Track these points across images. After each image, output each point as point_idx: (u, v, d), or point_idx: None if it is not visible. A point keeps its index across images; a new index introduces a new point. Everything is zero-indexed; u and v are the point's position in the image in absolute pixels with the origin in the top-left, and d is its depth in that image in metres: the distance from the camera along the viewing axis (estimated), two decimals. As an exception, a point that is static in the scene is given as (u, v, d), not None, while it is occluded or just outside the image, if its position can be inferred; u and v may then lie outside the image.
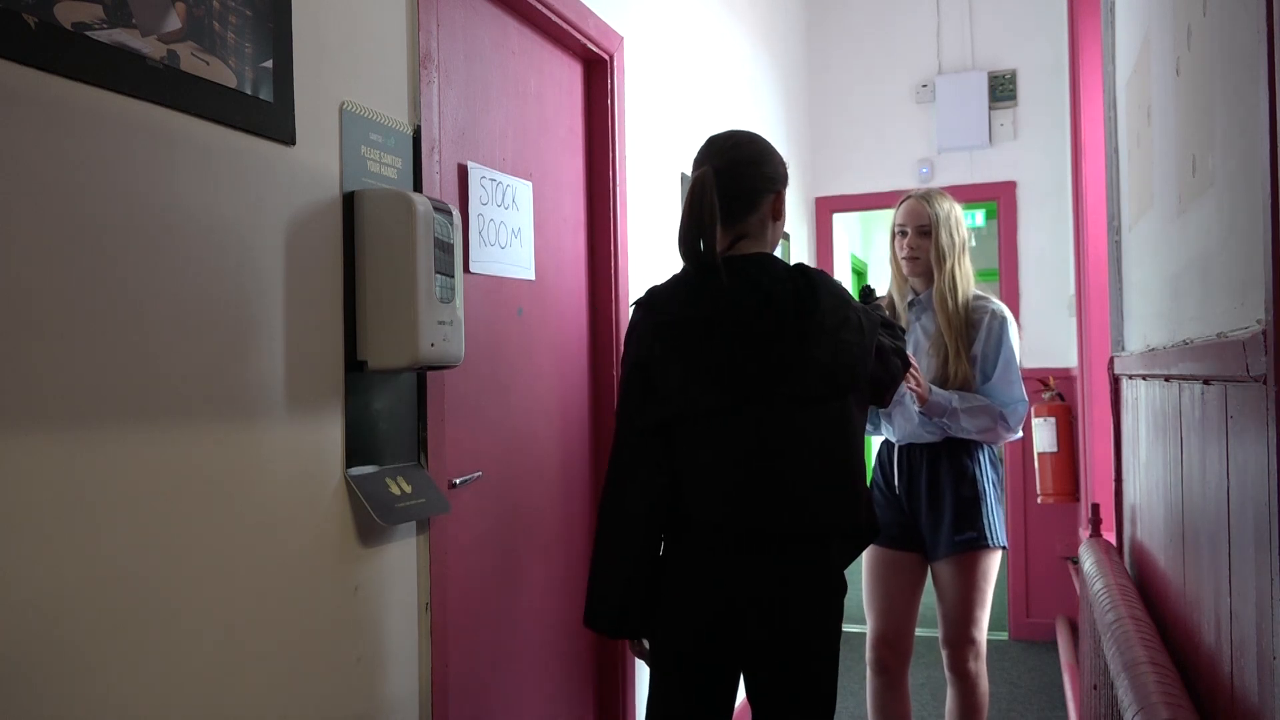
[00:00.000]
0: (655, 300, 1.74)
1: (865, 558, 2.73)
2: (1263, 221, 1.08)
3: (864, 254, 8.30)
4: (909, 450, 2.70)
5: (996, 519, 2.66)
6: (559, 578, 2.46)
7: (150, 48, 1.20)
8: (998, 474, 2.72)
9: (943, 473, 2.66)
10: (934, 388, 2.60)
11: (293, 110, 1.44)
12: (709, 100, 3.59)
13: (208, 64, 1.28)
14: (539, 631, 2.36)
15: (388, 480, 1.63)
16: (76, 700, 1.09)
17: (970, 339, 2.66)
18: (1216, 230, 1.44)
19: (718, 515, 1.69)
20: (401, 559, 1.69)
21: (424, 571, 1.75)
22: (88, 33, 1.12)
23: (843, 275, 7.14)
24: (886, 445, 2.77)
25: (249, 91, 1.35)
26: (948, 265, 2.68)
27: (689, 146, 3.33)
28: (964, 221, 2.74)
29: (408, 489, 1.66)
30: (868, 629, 2.88)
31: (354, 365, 1.56)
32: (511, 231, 2.23)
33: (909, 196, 2.77)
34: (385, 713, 1.64)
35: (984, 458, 2.70)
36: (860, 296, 2.23)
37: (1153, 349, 2.09)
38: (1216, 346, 1.33)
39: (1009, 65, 4.96)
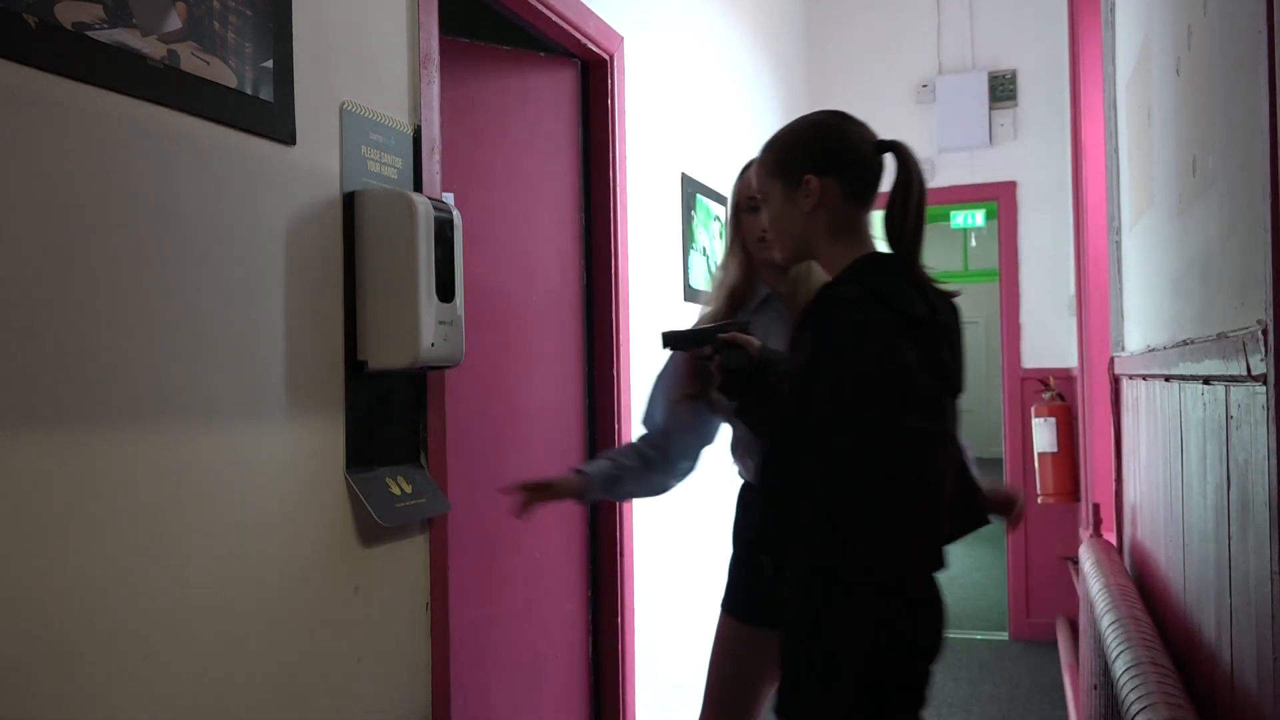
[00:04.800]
0: (889, 294, 1.40)
1: (718, 630, 2.02)
2: (1263, 221, 1.08)
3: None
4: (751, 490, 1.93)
5: None
6: (560, 577, 2.46)
7: (150, 48, 1.20)
8: None
9: None
10: None
11: (293, 110, 1.44)
12: (709, 100, 3.58)
13: (208, 64, 1.28)
14: (540, 631, 2.36)
15: (388, 480, 1.63)
16: (76, 700, 1.09)
17: None
18: (1217, 230, 1.44)
19: (947, 537, 1.45)
20: (401, 559, 1.69)
21: (424, 571, 1.75)
22: (88, 33, 1.12)
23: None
24: (746, 487, 1.98)
25: (249, 91, 1.35)
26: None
27: (689, 147, 3.32)
28: None
29: (408, 489, 1.66)
30: None
31: (354, 365, 1.56)
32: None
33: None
34: (386, 713, 1.64)
35: None
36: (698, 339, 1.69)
37: (1153, 349, 2.09)
38: (1217, 346, 1.33)
39: (1009, 65, 4.96)
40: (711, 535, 3.37)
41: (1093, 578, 2.35)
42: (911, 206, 1.46)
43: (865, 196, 1.50)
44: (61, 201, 1.09)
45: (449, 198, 1.87)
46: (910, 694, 1.43)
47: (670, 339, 1.73)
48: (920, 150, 5.39)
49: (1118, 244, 2.84)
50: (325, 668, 1.49)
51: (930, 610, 1.44)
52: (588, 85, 2.66)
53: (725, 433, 1.98)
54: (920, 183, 1.48)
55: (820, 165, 1.48)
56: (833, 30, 5.27)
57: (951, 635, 5.25)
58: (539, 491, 1.82)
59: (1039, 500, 4.60)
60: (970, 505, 1.51)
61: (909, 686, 1.42)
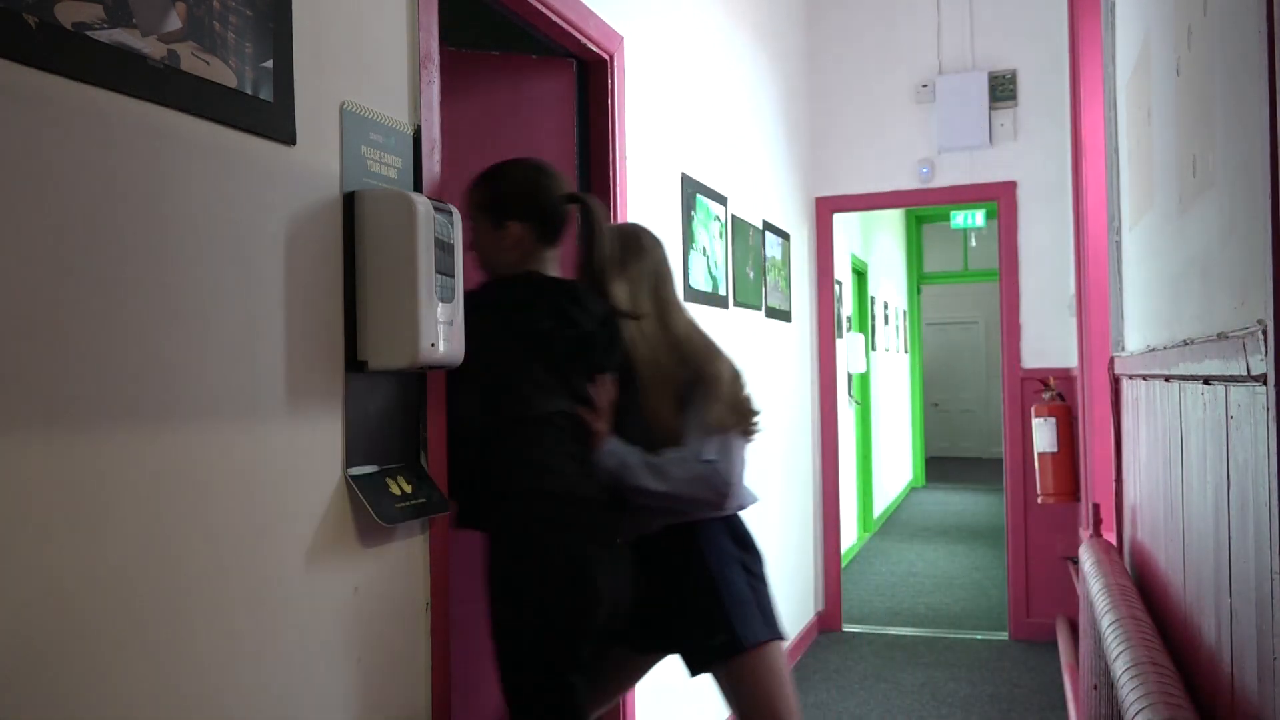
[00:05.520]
0: (495, 298, 1.86)
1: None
2: (1263, 221, 1.08)
3: (864, 254, 8.30)
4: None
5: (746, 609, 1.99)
6: (559, 578, 2.45)
7: (150, 48, 1.20)
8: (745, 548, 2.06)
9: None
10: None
11: (293, 110, 1.44)
12: (709, 100, 3.59)
13: (208, 64, 1.28)
14: (539, 631, 2.36)
15: (388, 480, 1.63)
16: (77, 699, 1.09)
17: None
18: (1217, 230, 1.44)
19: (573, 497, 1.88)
20: (401, 559, 1.69)
21: (424, 571, 1.75)
22: (88, 33, 1.12)
23: (843, 275, 7.14)
24: None
25: (249, 91, 1.35)
26: None
27: (689, 147, 3.33)
28: None
29: (408, 489, 1.66)
30: None
31: (354, 365, 1.56)
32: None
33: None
34: (386, 713, 1.64)
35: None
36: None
37: (1153, 349, 2.09)
38: (1217, 346, 1.33)
39: (1009, 65, 4.96)
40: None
41: (1093, 578, 2.35)
42: (596, 245, 1.92)
43: (553, 238, 1.90)
44: (61, 201, 1.09)
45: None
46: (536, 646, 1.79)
47: None
48: (920, 150, 5.45)
49: (1118, 244, 2.84)
50: (325, 668, 1.49)
51: (551, 566, 1.77)
52: (587, 85, 2.66)
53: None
54: (602, 228, 1.93)
55: (521, 213, 1.86)
56: (833, 30, 5.27)
57: (951, 635, 5.29)
58: None
59: (1039, 500, 4.60)
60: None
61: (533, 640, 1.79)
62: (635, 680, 2.24)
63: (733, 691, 2.02)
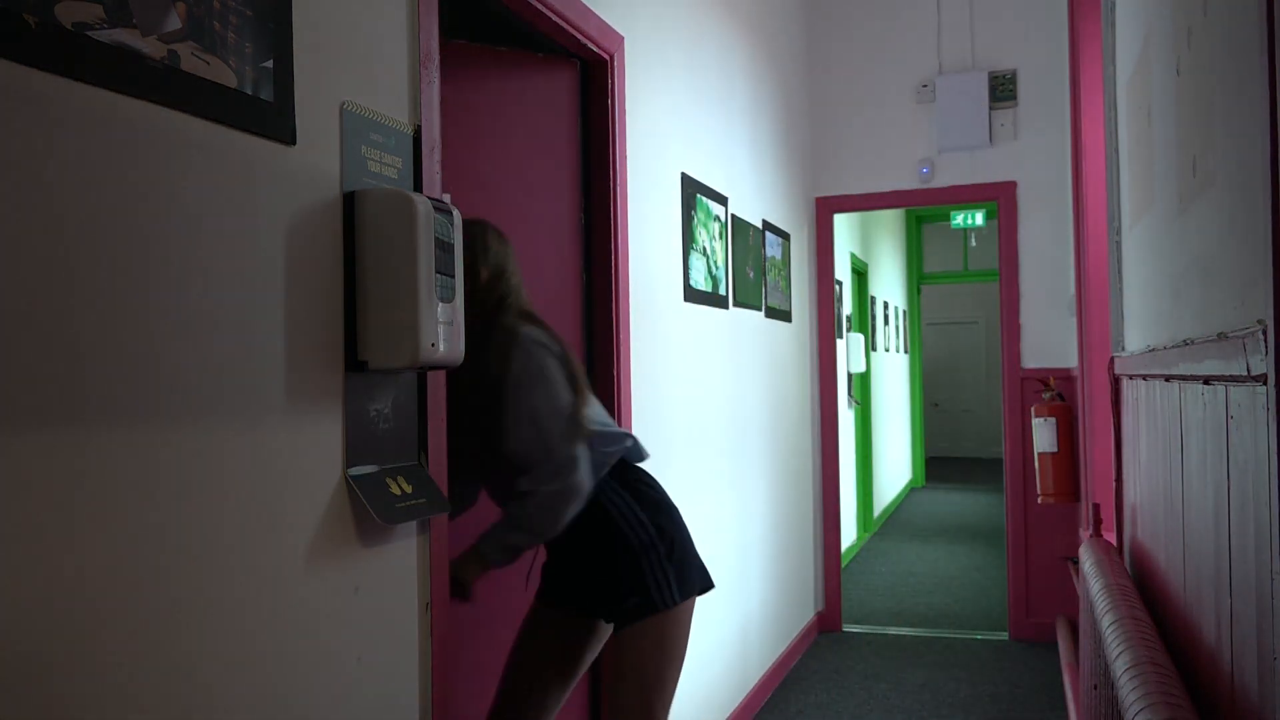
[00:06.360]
0: None
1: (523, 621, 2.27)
2: (1263, 221, 1.08)
3: (864, 254, 8.30)
4: None
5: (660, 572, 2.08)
6: (559, 578, 2.45)
7: (150, 47, 1.20)
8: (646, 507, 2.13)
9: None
10: None
11: (293, 110, 1.44)
12: (709, 100, 3.59)
13: (208, 64, 1.28)
14: (539, 631, 2.36)
15: (388, 480, 1.63)
16: (76, 699, 1.09)
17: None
18: (1217, 230, 1.44)
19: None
20: (401, 559, 1.69)
21: (424, 571, 1.76)
22: (88, 33, 1.12)
23: (843, 275, 7.14)
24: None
25: (249, 91, 1.35)
26: None
27: (689, 147, 3.33)
28: None
29: (408, 489, 1.66)
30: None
31: (354, 365, 1.56)
32: (511, 231, 2.23)
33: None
34: (385, 713, 1.64)
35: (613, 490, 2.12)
36: None
37: (1153, 349, 2.09)
38: (1217, 346, 1.33)
39: (1009, 65, 4.96)
40: (708, 539, 3.37)
41: (1093, 578, 2.35)
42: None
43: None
44: (60, 201, 1.09)
45: (445, 199, 1.88)
46: None
47: None
48: (920, 150, 5.46)
49: (1118, 244, 2.84)
50: (325, 668, 1.49)
51: None
52: (588, 85, 2.66)
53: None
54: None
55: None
56: (833, 30, 5.27)
57: (951, 635, 5.29)
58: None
59: (1039, 500, 4.60)
60: None
61: None
62: (590, 650, 2.25)
63: (617, 651, 2.09)
